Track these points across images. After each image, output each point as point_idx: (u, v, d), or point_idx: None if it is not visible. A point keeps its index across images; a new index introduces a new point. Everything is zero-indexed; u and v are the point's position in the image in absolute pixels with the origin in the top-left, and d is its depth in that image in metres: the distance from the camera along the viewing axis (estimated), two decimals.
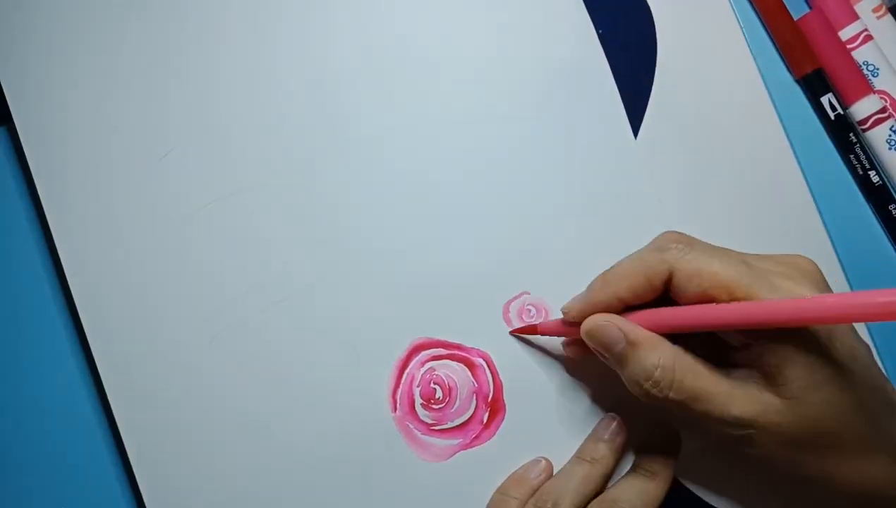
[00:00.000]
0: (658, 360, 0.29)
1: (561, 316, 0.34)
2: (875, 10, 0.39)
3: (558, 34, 0.38)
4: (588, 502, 0.33)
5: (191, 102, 0.37)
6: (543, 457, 0.35)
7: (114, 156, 0.37)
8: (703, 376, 0.29)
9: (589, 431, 0.35)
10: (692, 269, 0.29)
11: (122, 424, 0.35)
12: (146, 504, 0.35)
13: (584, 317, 0.32)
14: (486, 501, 0.35)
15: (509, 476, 0.35)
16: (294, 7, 0.37)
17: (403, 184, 0.37)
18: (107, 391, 0.35)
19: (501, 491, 0.35)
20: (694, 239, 0.31)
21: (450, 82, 0.37)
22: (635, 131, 0.37)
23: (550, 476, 0.35)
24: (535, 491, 0.34)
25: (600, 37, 0.38)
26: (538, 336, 0.35)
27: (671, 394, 0.29)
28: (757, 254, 0.31)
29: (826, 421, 0.28)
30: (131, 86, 0.37)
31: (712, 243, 0.31)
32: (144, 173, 0.37)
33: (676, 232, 0.32)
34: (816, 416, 0.28)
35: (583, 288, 0.33)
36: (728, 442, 0.30)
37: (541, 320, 0.36)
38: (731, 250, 0.31)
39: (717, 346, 0.31)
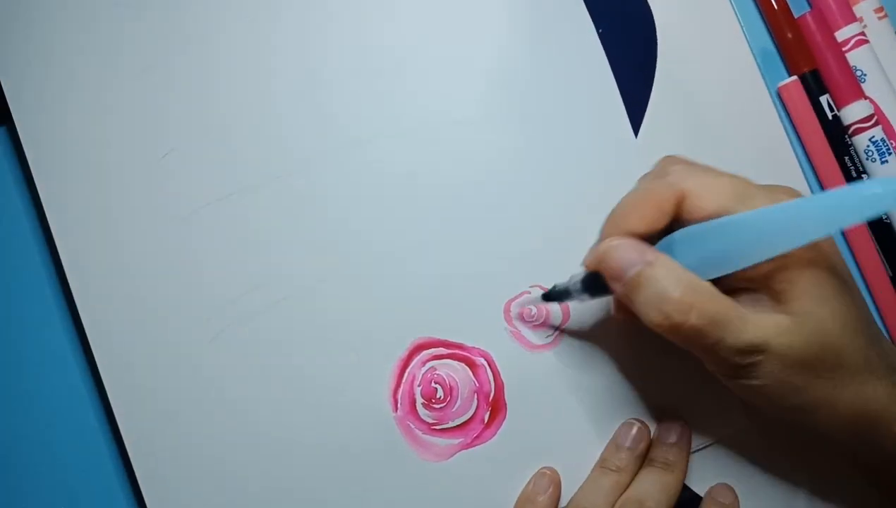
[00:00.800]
0: (679, 281, 0.28)
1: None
2: (877, 11, 0.38)
3: (558, 34, 0.38)
4: None
5: (190, 102, 0.37)
6: (547, 468, 0.35)
7: (113, 155, 0.37)
8: (721, 299, 0.28)
9: (589, 430, 0.35)
10: (701, 187, 0.29)
11: (123, 424, 0.35)
12: (146, 503, 0.35)
13: None
14: (488, 500, 0.35)
15: (518, 499, 0.35)
16: (294, 7, 0.37)
17: (404, 184, 0.37)
18: (107, 390, 0.35)
19: None
20: (691, 160, 0.31)
21: (449, 83, 0.37)
22: (636, 130, 0.37)
23: (559, 485, 0.35)
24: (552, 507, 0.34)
25: (600, 36, 0.38)
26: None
27: (692, 318, 0.27)
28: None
29: (832, 337, 0.28)
30: (131, 86, 0.37)
31: None
32: (144, 173, 0.37)
33: (673, 155, 0.31)
34: (823, 332, 0.28)
35: None
36: (731, 376, 0.29)
37: (542, 320, 0.36)
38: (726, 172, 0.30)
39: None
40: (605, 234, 0.31)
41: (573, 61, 0.38)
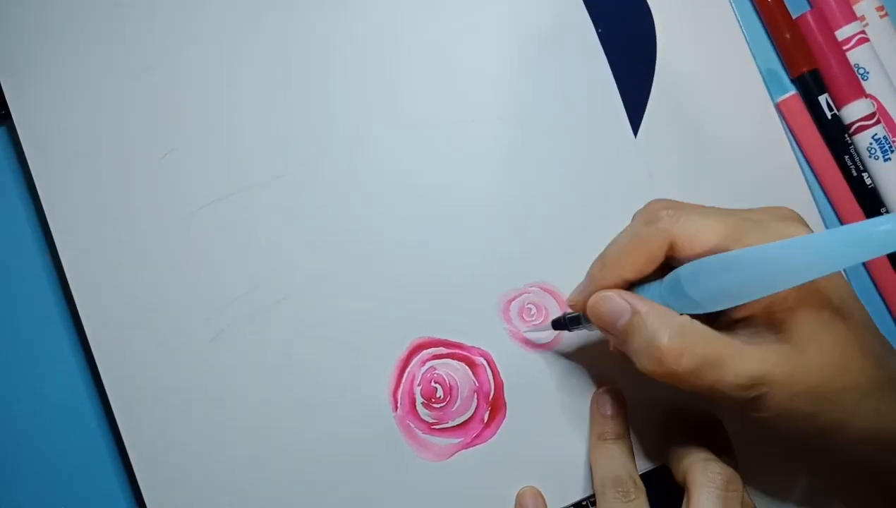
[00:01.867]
0: (667, 327, 0.28)
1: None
2: (878, 9, 0.39)
3: (557, 34, 0.38)
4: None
5: (190, 102, 0.37)
6: (524, 487, 0.35)
7: (113, 155, 0.37)
8: (713, 339, 0.28)
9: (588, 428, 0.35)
10: (692, 231, 0.29)
11: (123, 425, 0.35)
12: (147, 505, 0.35)
13: None
14: (488, 499, 0.35)
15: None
16: (295, 8, 0.37)
17: (404, 183, 0.37)
18: (107, 392, 0.35)
19: None
20: (680, 202, 0.31)
21: (448, 84, 0.37)
22: (635, 130, 0.37)
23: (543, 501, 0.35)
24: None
25: (600, 36, 0.38)
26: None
27: (683, 362, 0.28)
28: (741, 209, 0.30)
29: (836, 361, 0.28)
30: (131, 86, 0.37)
31: None
32: (144, 173, 0.37)
33: (661, 199, 0.31)
34: (827, 358, 0.28)
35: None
36: (739, 411, 0.29)
37: (541, 319, 0.36)
38: (715, 207, 0.30)
39: None
40: (592, 278, 0.31)
41: (572, 61, 0.38)
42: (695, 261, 0.29)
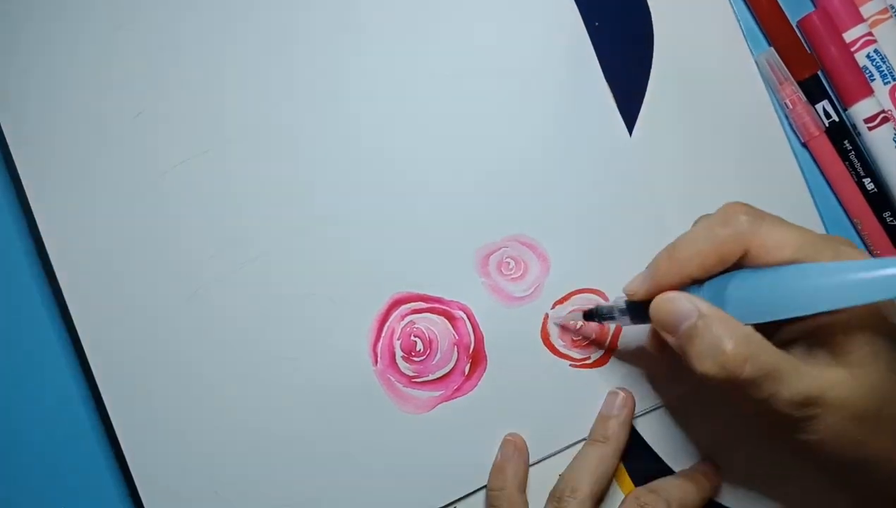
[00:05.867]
0: (733, 334, 0.28)
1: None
2: (881, 13, 0.37)
3: (547, 32, 0.37)
4: (607, 480, 0.34)
5: (163, 61, 0.36)
6: (511, 434, 0.35)
7: (86, 114, 0.36)
8: (774, 352, 0.28)
9: (569, 378, 0.35)
10: (770, 242, 0.29)
11: (103, 385, 0.35)
12: (126, 458, 0.35)
13: (652, 297, 0.31)
14: (470, 451, 0.35)
15: (491, 471, 0.35)
16: None
17: (382, 141, 0.36)
18: (85, 350, 0.35)
19: (489, 488, 0.35)
20: (757, 209, 0.30)
21: (439, 75, 0.37)
22: (630, 127, 0.37)
23: (523, 450, 0.35)
24: (520, 472, 0.35)
25: (596, 31, 0.37)
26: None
27: (747, 369, 0.27)
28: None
29: (890, 388, 0.28)
30: (104, 46, 0.37)
31: None
32: (117, 133, 0.36)
33: (740, 203, 0.30)
34: (881, 384, 0.28)
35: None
36: (786, 431, 0.29)
37: (520, 273, 0.36)
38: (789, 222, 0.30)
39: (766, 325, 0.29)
40: (657, 269, 0.31)
41: (563, 59, 0.37)
42: (744, 271, 0.29)
